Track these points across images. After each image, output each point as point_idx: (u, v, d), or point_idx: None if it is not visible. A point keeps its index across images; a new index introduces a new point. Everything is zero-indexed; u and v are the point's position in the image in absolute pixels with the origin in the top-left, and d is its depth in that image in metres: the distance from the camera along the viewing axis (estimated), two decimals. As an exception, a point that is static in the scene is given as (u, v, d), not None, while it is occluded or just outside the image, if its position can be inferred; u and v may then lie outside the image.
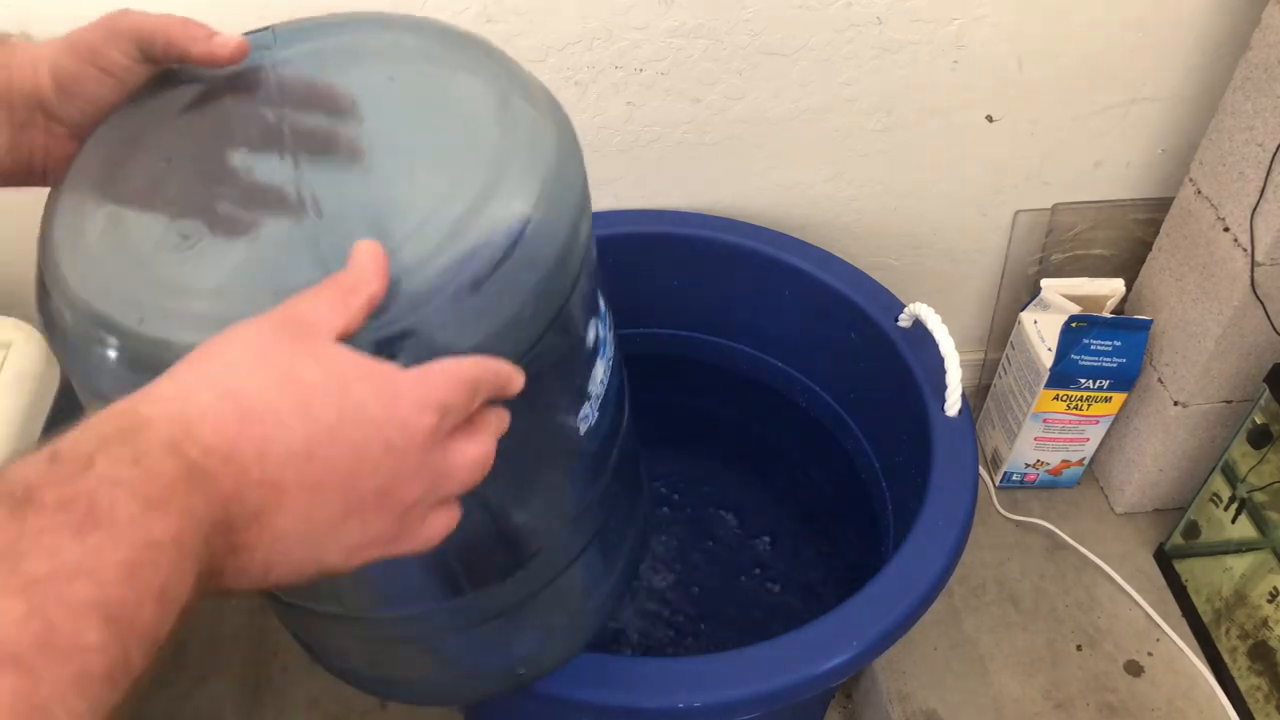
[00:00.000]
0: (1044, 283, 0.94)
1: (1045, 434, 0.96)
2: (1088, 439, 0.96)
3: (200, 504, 0.26)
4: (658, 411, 1.02)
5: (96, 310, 0.34)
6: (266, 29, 0.42)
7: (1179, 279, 0.87)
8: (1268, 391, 0.81)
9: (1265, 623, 0.84)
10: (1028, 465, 1.00)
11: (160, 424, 0.26)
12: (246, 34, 0.41)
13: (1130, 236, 0.96)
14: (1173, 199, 0.89)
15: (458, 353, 0.32)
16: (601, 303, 0.45)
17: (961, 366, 0.69)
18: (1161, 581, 0.95)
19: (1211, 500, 0.90)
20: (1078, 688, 0.87)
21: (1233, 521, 0.87)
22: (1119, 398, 0.92)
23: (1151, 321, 0.90)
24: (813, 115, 0.83)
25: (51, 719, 0.21)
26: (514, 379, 0.34)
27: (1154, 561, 0.97)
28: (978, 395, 1.09)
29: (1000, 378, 1.01)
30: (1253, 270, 0.78)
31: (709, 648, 0.57)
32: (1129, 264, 0.97)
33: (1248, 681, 0.85)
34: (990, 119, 0.85)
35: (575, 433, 0.45)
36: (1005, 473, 1.01)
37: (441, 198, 0.36)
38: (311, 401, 0.28)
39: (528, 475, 0.44)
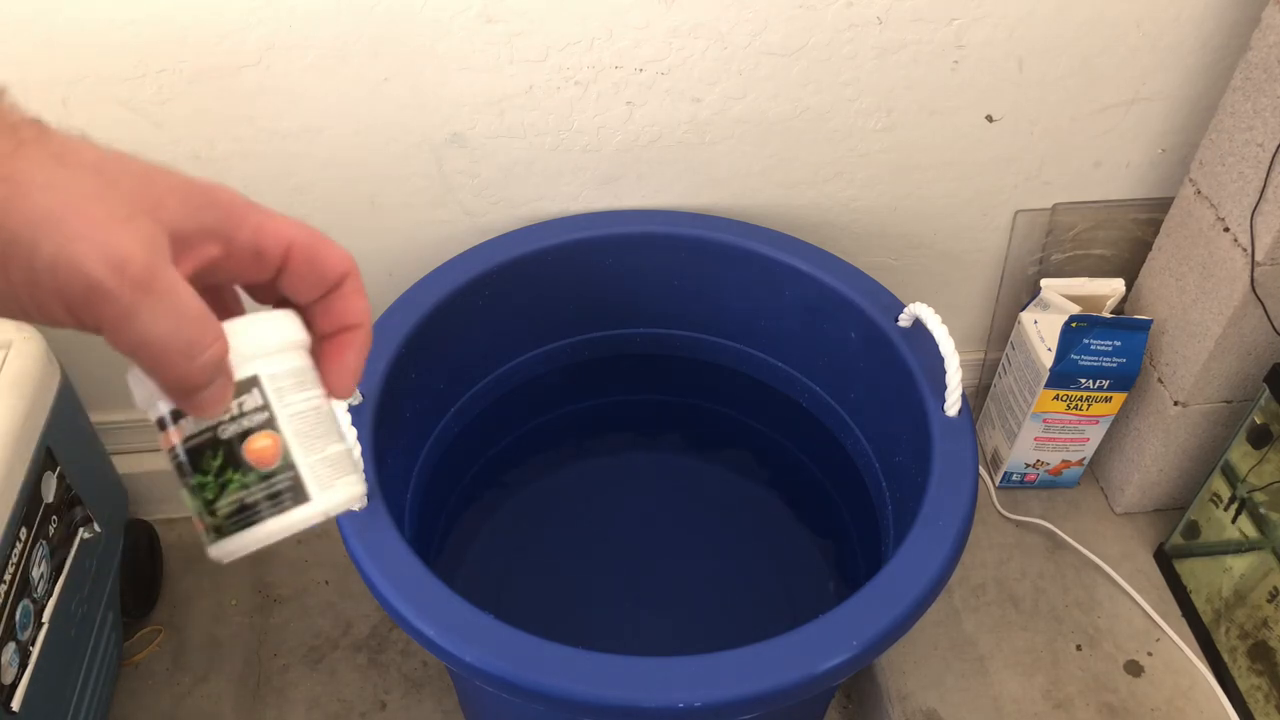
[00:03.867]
0: (1044, 282, 0.94)
1: (1045, 434, 0.96)
2: (1088, 439, 0.96)
3: None
4: (658, 411, 1.02)
5: None
6: None
7: (1179, 279, 0.87)
8: (1268, 391, 0.81)
9: (1265, 623, 0.84)
10: (1028, 465, 1.00)
11: None
12: None
13: (1130, 236, 0.96)
14: (1173, 199, 0.89)
15: None
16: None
17: (961, 366, 0.69)
18: (1161, 581, 0.95)
19: (1211, 500, 0.90)
20: (1078, 687, 0.87)
21: (1233, 521, 0.87)
22: (1119, 398, 0.92)
23: (1151, 321, 0.90)
24: (813, 115, 0.83)
25: None
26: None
27: (1154, 561, 0.97)
28: (977, 395, 1.09)
29: (1000, 378, 1.01)
30: (1252, 270, 0.78)
31: (708, 647, 0.57)
32: (1129, 264, 0.98)
33: (1248, 681, 0.85)
34: (990, 119, 0.85)
35: None
36: (1005, 473, 1.01)
37: None
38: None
39: None
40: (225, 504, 0.31)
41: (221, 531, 0.31)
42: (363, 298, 0.34)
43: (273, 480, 0.32)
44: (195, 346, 0.28)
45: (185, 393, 0.29)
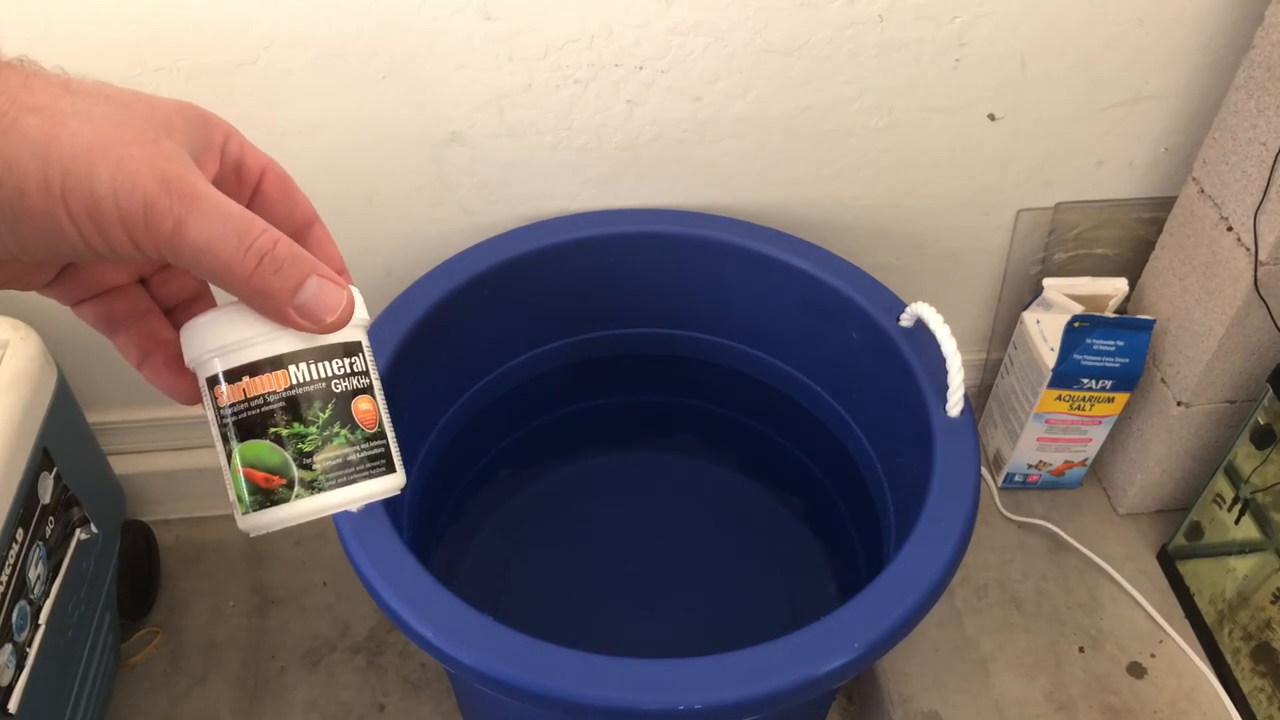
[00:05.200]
0: (1046, 282, 0.94)
1: (1048, 434, 0.95)
2: (1090, 439, 0.96)
3: None
4: (658, 411, 1.02)
5: None
6: None
7: (1182, 278, 0.87)
8: (1271, 391, 0.81)
9: (1269, 624, 0.83)
10: (1030, 466, 0.99)
11: None
12: None
13: (1133, 236, 0.96)
14: (1176, 198, 0.88)
15: None
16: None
17: (963, 366, 0.69)
18: (1164, 583, 0.95)
19: (1215, 501, 0.89)
20: (1080, 689, 0.86)
21: (1236, 522, 0.87)
22: (1122, 398, 0.91)
23: (1154, 321, 0.89)
24: (814, 114, 0.82)
25: None
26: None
27: (1157, 563, 0.96)
28: (980, 395, 1.09)
29: (1002, 378, 1.01)
30: (1256, 270, 0.77)
31: (708, 649, 0.57)
32: (1132, 263, 0.97)
33: (1251, 683, 0.85)
34: (992, 117, 0.85)
35: None
36: (1008, 474, 1.01)
37: None
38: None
39: None
40: (327, 458, 0.31)
41: (315, 487, 0.31)
42: (336, 246, 0.34)
43: (372, 444, 0.32)
44: (245, 237, 0.28)
45: (266, 295, 0.29)
